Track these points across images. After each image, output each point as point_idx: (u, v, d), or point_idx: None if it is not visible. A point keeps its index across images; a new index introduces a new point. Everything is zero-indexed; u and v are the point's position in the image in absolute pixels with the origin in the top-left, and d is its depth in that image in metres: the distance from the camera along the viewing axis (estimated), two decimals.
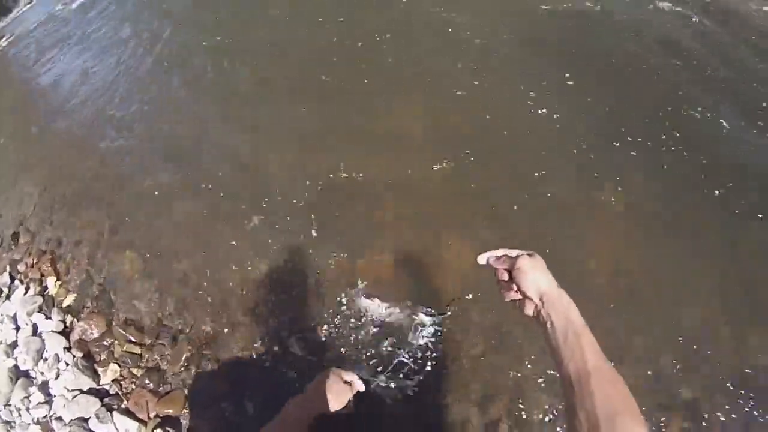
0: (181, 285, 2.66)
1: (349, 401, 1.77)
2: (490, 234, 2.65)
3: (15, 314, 2.87)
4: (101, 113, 3.96)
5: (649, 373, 2.18)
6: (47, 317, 2.79)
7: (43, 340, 2.67)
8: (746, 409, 2.10)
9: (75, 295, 2.84)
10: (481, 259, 1.25)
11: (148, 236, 2.95)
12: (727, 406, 2.10)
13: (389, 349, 2.24)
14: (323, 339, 2.34)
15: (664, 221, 2.71)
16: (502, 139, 3.13)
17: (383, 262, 2.59)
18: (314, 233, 2.73)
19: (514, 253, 1.20)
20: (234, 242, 2.76)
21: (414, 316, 2.31)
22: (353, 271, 2.55)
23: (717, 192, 2.82)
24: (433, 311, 1.84)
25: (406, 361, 2.13)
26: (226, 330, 2.44)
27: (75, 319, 2.73)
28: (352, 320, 2.38)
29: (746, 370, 2.19)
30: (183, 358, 2.38)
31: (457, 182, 2.92)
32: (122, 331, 2.56)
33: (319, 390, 1.71)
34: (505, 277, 1.20)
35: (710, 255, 2.57)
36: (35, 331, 2.74)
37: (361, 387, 1.83)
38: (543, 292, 1.10)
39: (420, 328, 1.89)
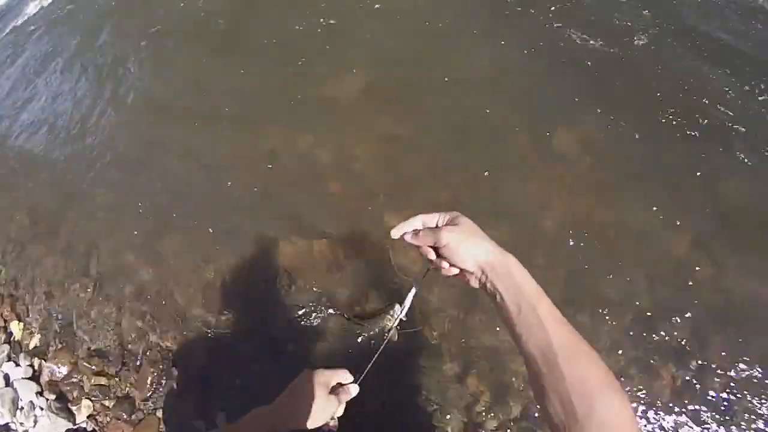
0: (137, 304, 2.47)
1: (333, 417, 1.16)
2: (442, 197, 2.41)
3: None
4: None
5: (630, 319, 1.98)
6: (16, 364, 2.64)
7: (16, 389, 2.54)
8: (733, 344, 1.89)
9: (39, 335, 2.69)
10: (395, 234, 0.99)
11: (98, 260, 2.74)
12: (714, 344, 1.90)
13: (367, 334, 2.02)
14: (292, 335, 2.13)
15: (623, 162, 2.40)
16: (446, 98, 2.79)
17: (337, 242, 2.34)
18: (263, 225, 2.48)
19: (433, 221, 0.97)
20: (181, 251, 2.53)
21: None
22: (311, 257, 2.30)
23: (674, 123, 2.49)
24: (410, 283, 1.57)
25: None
26: (185, 344, 2.24)
27: (42, 361, 2.58)
28: (320, 310, 2.14)
29: (727, 304, 1.98)
30: (148, 382, 2.20)
31: (403, 147, 2.63)
32: (87, 365, 2.40)
33: (292, 401, 1.14)
34: (432, 255, 0.96)
35: (674, 192, 2.28)
36: (7, 381, 2.60)
37: (354, 391, 1.17)
38: (482, 263, 0.89)
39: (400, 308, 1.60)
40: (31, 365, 2.60)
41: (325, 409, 1.11)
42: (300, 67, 3.18)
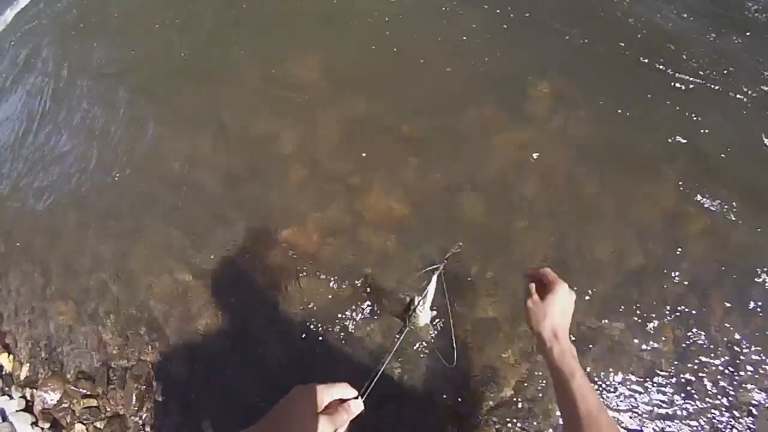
0: (115, 319, 2.36)
1: None
2: (418, 174, 2.27)
3: None
4: None
5: (623, 279, 1.87)
6: (10, 397, 2.57)
7: (11, 423, 2.46)
8: (734, 295, 1.78)
9: (28, 364, 2.62)
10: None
11: (74, 281, 2.63)
12: (714, 297, 1.79)
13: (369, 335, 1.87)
14: (279, 338, 2.00)
15: (596, 117, 2.27)
16: (415, 69, 2.62)
17: (314, 229, 2.20)
18: (235, 221, 2.34)
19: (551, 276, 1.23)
20: (153, 261, 2.40)
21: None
22: (288, 248, 2.15)
23: (647, 72, 2.38)
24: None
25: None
26: (167, 355, 2.13)
27: (33, 390, 2.50)
28: (302, 305, 2.00)
29: (723, 254, 1.87)
30: (134, 398, 2.10)
31: (374, 123, 2.47)
32: (75, 388, 2.32)
33: (272, 426, 0.89)
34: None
35: (653, 143, 2.16)
36: (3, 416, 2.53)
37: (357, 409, 0.93)
38: (558, 332, 1.14)
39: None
40: (23, 396, 2.52)
41: (318, 427, 0.86)
42: (257, 49, 2.98)
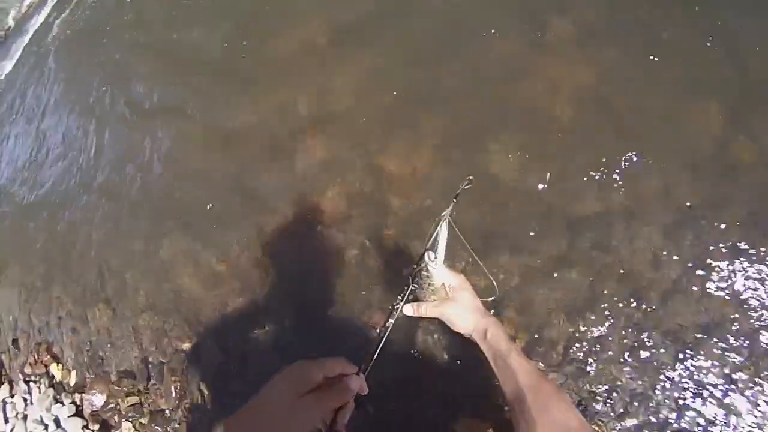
0: (148, 316, 2.32)
1: (328, 425, 0.74)
2: (441, 123, 2.07)
3: (40, 416, 2.72)
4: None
5: (673, 218, 1.60)
6: (62, 404, 2.59)
7: (65, 429, 2.48)
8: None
9: (75, 370, 2.63)
10: (408, 312, 1.20)
11: (107, 282, 2.64)
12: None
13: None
14: (308, 320, 1.88)
15: (628, 42, 1.93)
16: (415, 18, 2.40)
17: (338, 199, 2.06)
18: (257, 201, 2.27)
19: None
20: (182, 253, 2.35)
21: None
22: (316, 222, 2.03)
23: None
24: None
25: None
26: (200, 345, 2.07)
27: (82, 394, 2.51)
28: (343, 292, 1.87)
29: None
30: (173, 391, 2.04)
31: (384, 78, 2.29)
32: (118, 387, 2.31)
33: (250, 412, 0.74)
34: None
35: (692, 66, 1.81)
36: (57, 423, 2.56)
37: (355, 385, 0.77)
38: (471, 332, 1.13)
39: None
40: (73, 402, 2.54)
41: (297, 416, 0.71)
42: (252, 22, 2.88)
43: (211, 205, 2.41)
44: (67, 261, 2.94)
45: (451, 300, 1.16)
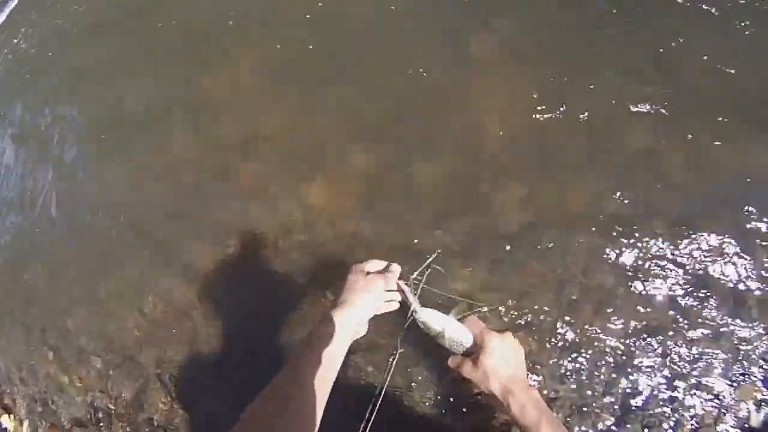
0: (93, 361, 2.33)
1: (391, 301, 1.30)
2: (363, 145, 2.15)
3: None
4: None
5: (601, 229, 1.66)
6: None
7: None
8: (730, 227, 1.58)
9: (27, 421, 2.60)
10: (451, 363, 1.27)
11: (50, 331, 2.61)
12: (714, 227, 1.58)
13: None
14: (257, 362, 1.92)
15: (554, 56, 2.05)
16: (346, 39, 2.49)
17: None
18: (188, 234, 2.26)
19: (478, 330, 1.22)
20: (122, 292, 2.35)
21: None
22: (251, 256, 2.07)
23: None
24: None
25: None
26: (146, 390, 2.07)
27: None
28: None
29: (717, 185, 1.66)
30: None
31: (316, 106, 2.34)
32: None
33: (346, 296, 1.17)
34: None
35: (619, 76, 1.92)
36: None
37: (396, 269, 1.27)
38: (510, 386, 1.09)
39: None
40: None
41: (370, 289, 1.17)
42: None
43: (148, 241, 2.41)
44: (11, 312, 2.89)
45: (467, 360, 1.17)
